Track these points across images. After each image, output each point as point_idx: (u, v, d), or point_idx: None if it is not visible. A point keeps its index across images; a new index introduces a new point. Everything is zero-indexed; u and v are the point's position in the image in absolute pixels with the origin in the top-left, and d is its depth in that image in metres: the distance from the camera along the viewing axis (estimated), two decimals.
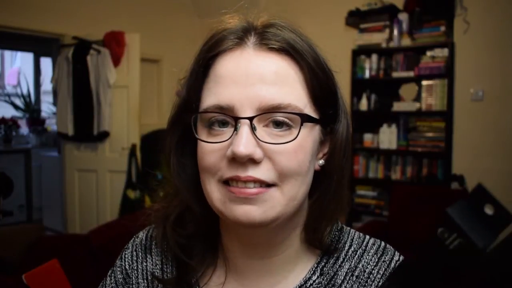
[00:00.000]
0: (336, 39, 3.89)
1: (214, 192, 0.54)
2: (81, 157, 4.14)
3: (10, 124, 5.51)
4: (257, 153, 0.51)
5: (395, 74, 3.64)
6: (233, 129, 0.52)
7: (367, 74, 3.76)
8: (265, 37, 0.54)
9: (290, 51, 0.54)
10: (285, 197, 0.53)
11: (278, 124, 0.52)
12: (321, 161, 0.59)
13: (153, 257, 0.67)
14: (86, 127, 3.95)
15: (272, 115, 0.52)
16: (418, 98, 3.55)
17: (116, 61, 3.94)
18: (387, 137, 3.66)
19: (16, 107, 6.23)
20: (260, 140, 0.51)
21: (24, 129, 6.00)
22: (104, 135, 4.00)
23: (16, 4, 3.76)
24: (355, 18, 3.79)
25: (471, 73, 3.38)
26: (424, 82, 3.50)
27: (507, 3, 3.21)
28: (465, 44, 3.36)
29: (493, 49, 3.27)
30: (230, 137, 0.52)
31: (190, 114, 0.56)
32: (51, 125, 6.08)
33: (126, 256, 0.69)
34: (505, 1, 3.23)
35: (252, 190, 0.52)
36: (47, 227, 4.87)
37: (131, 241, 0.72)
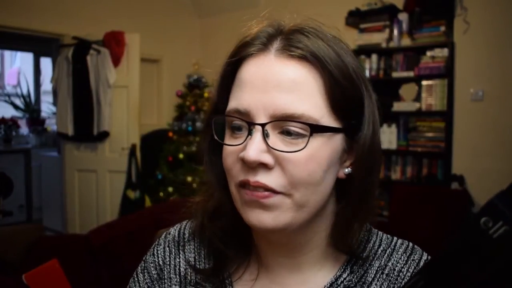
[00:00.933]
0: None
1: (236, 195, 0.56)
2: (81, 157, 4.14)
3: (10, 124, 5.52)
4: (267, 158, 0.52)
5: (395, 74, 3.63)
6: (247, 133, 0.54)
7: (367, 74, 3.75)
8: (288, 43, 0.54)
9: (310, 58, 0.53)
10: (295, 204, 0.53)
11: (290, 133, 0.53)
12: (347, 170, 0.58)
13: (185, 253, 0.68)
14: (86, 127, 3.96)
15: (285, 123, 0.52)
16: (418, 98, 3.55)
17: (116, 61, 3.94)
18: (387, 137, 3.66)
19: (16, 107, 6.23)
20: (271, 147, 0.52)
21: (24, 129, 6.00)
22: (104, 135, 4.00)
23: (16, 4, 3.77)
24: (355, 18, 3.79)
25: (471, 73, 3.38)
26: (424, 82, 3.49)
27: (507, 3, 3.21)
28: (465, 44, 3.36)
29: (493, 49, 3.27)
30: (245, 141, 0.53)
31: (214, 116, 0.59)
32: (51, 125, 6.09)
33: (159, 251, 0.70)
34: (505, 1, 3.23)
35: (263, 194, 0.53)
36: (47, 227, 4.87)
37: (163, 237, 0.72)
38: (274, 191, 0.53)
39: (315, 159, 0.53)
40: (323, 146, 0.53)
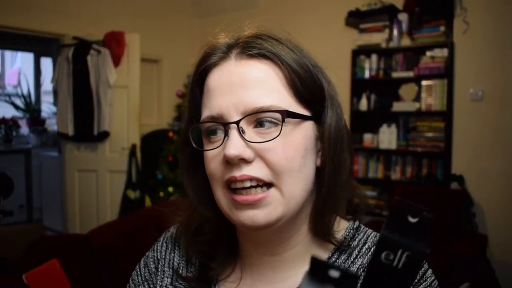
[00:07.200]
0: (336, 39, 3.89)
1: (221, 198, 0.59)
2: (81, 157, 4.15)
3: (11, 124, 5.51)
4: (247, 153, 0.55)
5: (395, 74, 3.64)
6: (224, 135, 0.57)
7: (367, 74, 3.76)
8: (245, 47, 0.59)
9: (268, 55, 0.58)
10: (285, 197, 0.56)
11: (263, 124, 0.56)
12: (322, 157, 0.61)
13: (180, 249, 0.72)
14: (86, 127, 3.96)
15: (257, 117, 0.56)
16: (417, 98, 3.56)
17: (116, 61, 3.95)
18: (387, 137, 3.67)
19: (16, 107, 6.22)
20: (248, 141, 0.55)
21: (24, 129, 6.00)
22: (104, 135, 4.01)
23: (16, 4, 3.77)
24: (355, 18, 3.79)
25: (471, 73, 3.38)
26: (424, 82, 3.50)
27: (507, 3, 3.21)
28: (465, 44, 3.36)
29: (493, 49, 3.27)
30: (223, 142, 0.57)
31: (189, 128, 0.61)
32: (51, 125, 6.09)
33: (158, 247, 0.74)
34: (505, 1, 3.23)
35: (254, 197, 0.55)
36: (47, 227, 4.88)
37: (163, 234, 0.76)
38: (262, 181, 0.55)
39: (291, 145, 0.56)
40: (295, 133, 0.57)
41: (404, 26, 3.57)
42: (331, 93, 0.62)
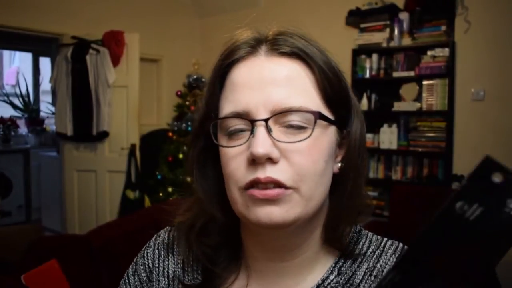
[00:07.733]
0: (336, 38, 3.88)
1: (238, 198, 0.56)
2: (80, 157, 4.13)
3: (9, 124, 5.50)
4: (274, 152, 0.52)
5: (396, 74, 3.63)
6: (250, 133, 0.54)
7: (367, 74, 3.75)
8: (276, 43, 0.57)
9: (300, 54, 0.56)
10: (303, 198, 0.54)
11: (291, 125, 0.54)
12: (339, 164, 0.60)
13: (174, 256, 0.68)
14: (85, 127, 3.94)
15: (286, 118, 0.54)
16: (418, 98, 3.55)
17: (116, 61, 3.93)
18: (388, 137, 3.66)
19: (15, 107, 6.20)
20: (276, 140, 0.53)
21: (23, 129, 5.98)
22: (103, 135, 3.99)
23: (15, 4, 3.75)
24: (355, 18, 3.78)
25: (472, 72, 3.37)
26: (425, 82, 3.49)
27: (508, 3, 3.20)
28: (466, 43, 3.35)
29: (494, 49, 3.26)
30: (248, 140, 0.54)
31: (209, 123, 0.58)
32: (50, 125, 6.07)
33: (149, 254, 0.70)
34: (506, 1, 3.22)
35: (273, 191, 0.53)
36: (46, 228, 4.86)
37: (153, 239, 0.72)
38: (284, 186, 0.53)
39: (317, 148, 0.55)
40: (322, 136, 0.56)
41: (405, 25, 3.56)
42: (354, 99, 0.62)
